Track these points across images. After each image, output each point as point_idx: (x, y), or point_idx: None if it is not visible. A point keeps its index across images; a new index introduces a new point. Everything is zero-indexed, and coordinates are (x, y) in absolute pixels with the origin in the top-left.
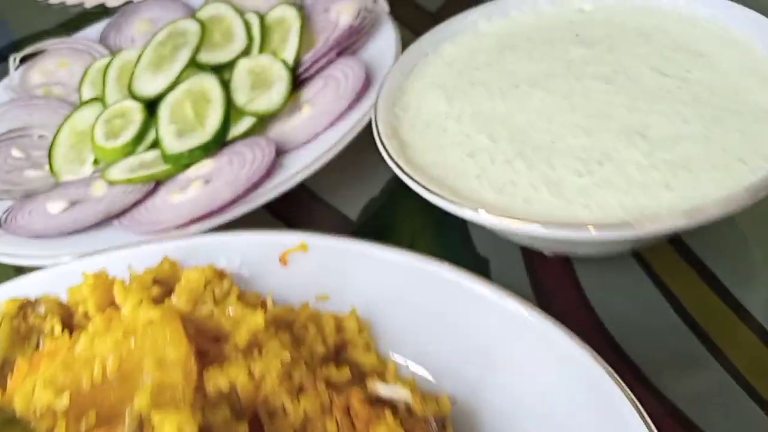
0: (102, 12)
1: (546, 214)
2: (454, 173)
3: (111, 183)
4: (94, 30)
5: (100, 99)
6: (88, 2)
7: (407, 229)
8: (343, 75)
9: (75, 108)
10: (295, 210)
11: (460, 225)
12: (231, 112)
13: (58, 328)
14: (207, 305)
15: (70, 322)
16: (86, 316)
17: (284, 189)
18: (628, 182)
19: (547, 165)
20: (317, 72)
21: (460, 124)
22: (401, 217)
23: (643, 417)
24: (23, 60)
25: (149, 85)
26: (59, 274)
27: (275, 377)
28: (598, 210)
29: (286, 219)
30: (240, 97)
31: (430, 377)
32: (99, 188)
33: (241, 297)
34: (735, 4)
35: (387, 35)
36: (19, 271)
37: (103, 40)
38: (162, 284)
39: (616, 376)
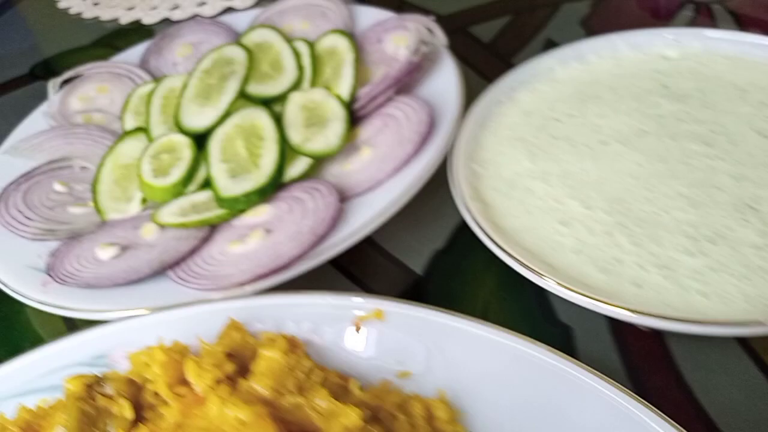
0: (137, 28)
1: (660, 300)
2: (548, 245)
3: (162, 227)
4: (134, 53)
5: (143, 130)
6: (123, 18)
7: (480, 287)
8: (404, 115)
9: (118, 139)
10: (356, 260)
11: (538, 287)
12: (286, 151)
13: (128, 413)
14: (292, 394)
15: (137, 399)
16: (156, 394)
17: (350, 243)
18: (746, 266)
19: (654, 242)
20: (374, 109)
21: (548, 186)
22: (472, 273)
23: None
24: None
25: (197, 118)
26: (114, 331)
27: None
28: (718, 300)
29: (346, 270)
30: (294, 136)
31: None
32: (149, 232)
33: (325, 381)
34: None
35: (447, 71)
36: (67, 320)
37: (143, 64)
38: (235, 358)
39: None
